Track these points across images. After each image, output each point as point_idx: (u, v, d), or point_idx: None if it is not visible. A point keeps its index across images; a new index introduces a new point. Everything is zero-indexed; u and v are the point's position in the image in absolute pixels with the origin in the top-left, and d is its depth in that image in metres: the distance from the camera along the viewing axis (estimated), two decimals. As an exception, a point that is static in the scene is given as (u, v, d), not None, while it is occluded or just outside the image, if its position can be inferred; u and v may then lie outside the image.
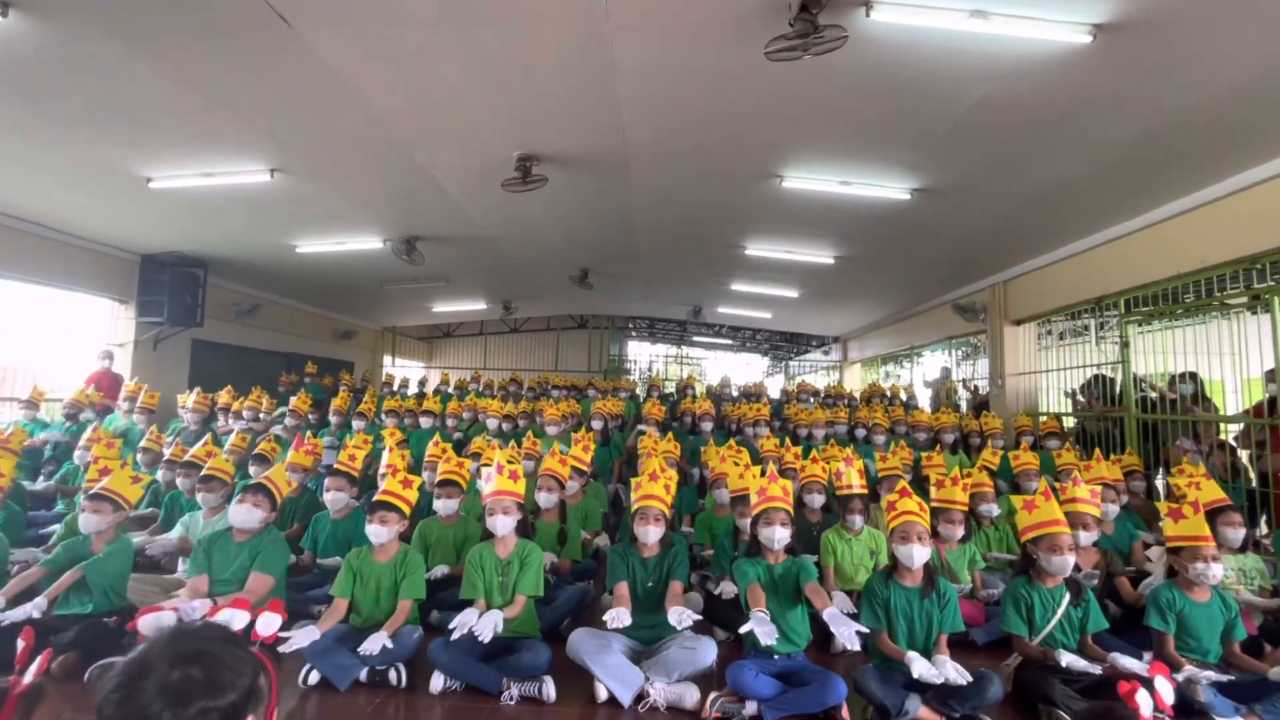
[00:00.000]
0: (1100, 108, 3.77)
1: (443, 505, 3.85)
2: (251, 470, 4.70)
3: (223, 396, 7.03)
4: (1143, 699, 2.29)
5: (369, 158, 5.05)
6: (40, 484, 5.40)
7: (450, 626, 2.84)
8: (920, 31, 3.15)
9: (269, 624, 2.37)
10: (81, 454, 5.00)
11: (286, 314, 10.57)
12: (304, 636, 2.68)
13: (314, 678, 2.81)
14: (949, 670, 2.52)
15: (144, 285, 7.53)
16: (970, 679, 2.54)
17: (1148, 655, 3.14)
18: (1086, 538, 3.36)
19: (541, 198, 5.23)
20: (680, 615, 2.77)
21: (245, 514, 3.24)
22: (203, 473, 3.88)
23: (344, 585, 3.14)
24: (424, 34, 3.44)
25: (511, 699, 2.73)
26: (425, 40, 3.50)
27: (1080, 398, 6.43)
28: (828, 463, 4.44)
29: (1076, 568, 3.02)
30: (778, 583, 2.95)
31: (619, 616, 2.80)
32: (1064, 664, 2.68)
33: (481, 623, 2.79)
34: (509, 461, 3.42)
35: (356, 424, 6.47)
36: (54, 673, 2.73)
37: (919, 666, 2.52)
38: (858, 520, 3.78)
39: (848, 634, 2.51)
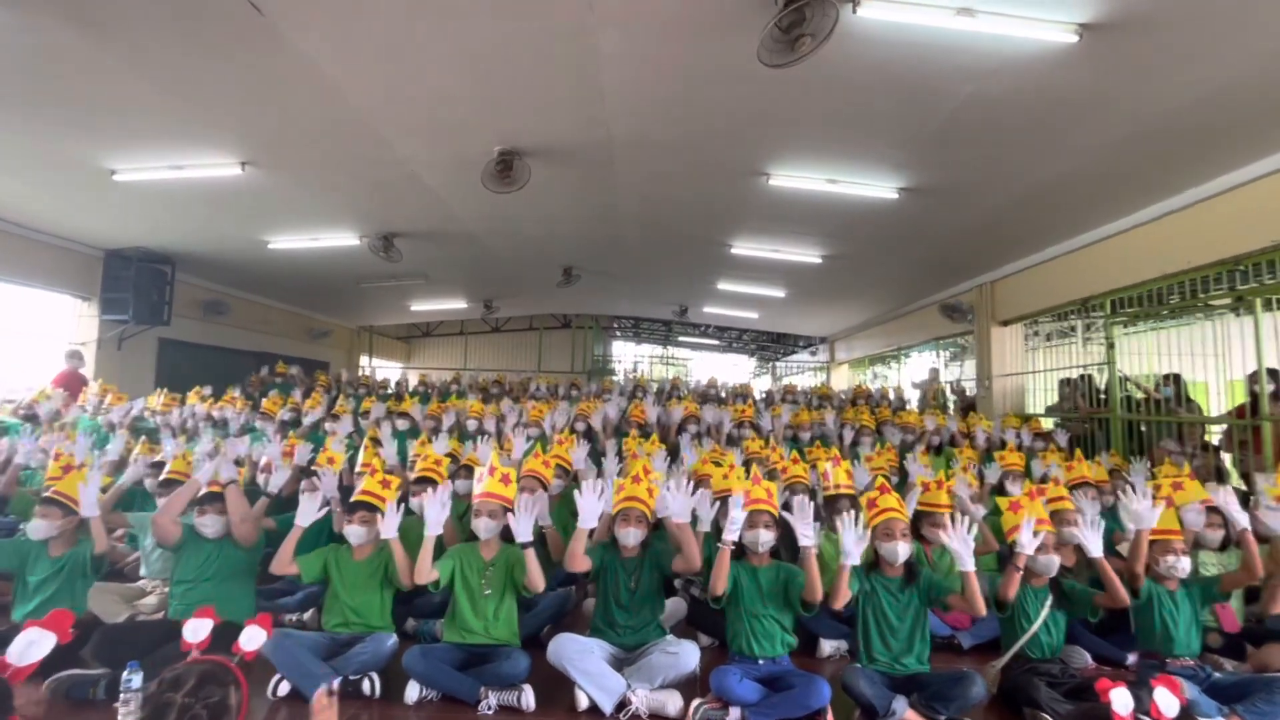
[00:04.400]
0: (1087, 107, 3.78)
1: (419, 503, 3.76)
2: (223, 475, 4.54)
3: (191, 397, 6.81)
4: (1119, 697, 2.28)
5: (345, 151, 4.92)
6: None
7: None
8: (907, 29, 3.13)
9: (253, 639, 2.26)
10: (39, 456, 4.77)
11: (258, 312, 10.34)
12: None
13: (284, 688, 2.71)
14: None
15: (108, 282, 7.32)
16: None
17: (1132, 657, 3.17)
18: (1072, 535, 3.35)
19: (524, 193, 5.14)
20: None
21: (210, 525, 3.17)
22: (161, 476, 3.73)
23: (314, 568, 3.06)
24: (402, 23, 3.35)
25: (490, 708, 2.66)
26: (403, 29, 3.41)
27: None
28: (813, 465, 4.40)
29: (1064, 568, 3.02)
30: (761, 585, 2.91)
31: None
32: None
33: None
34: (502, 465, 3.34)
35: (330, 425, 6.29)
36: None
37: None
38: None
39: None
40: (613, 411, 6.09)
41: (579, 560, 2.95)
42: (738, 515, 2.80)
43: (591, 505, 2.91)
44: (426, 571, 2.89)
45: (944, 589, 2.84)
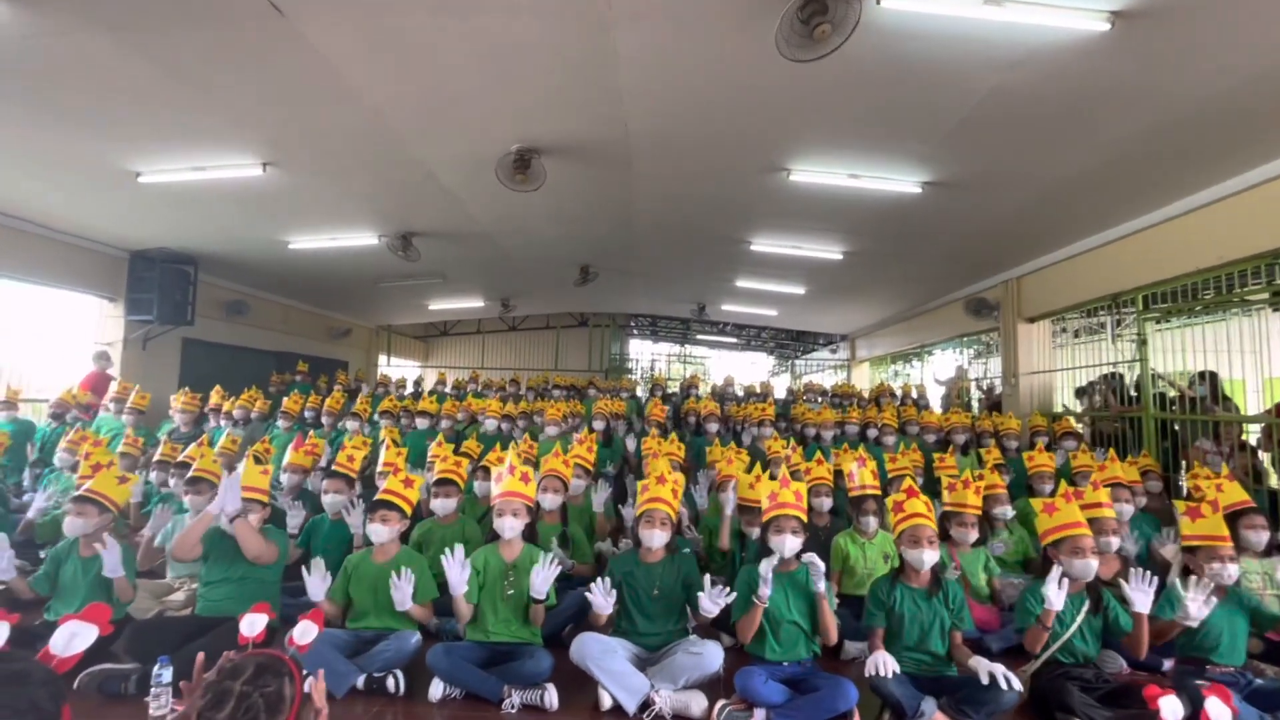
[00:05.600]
0: (1118, 98, 3.67)
1: (440, 505, 3.79)
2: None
3: (213, 397, 6.91)
4: (1168, 705, 2.21)
5: (364, 151, 4.93)
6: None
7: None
8: (932, 20, 3.07)
9: (306, 633, 2.29)
10: (64, 456, 4.86)
11: (279, 312, 10.44)
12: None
13: (308, 685, 2.72)
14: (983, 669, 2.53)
15: (133, 282, 7.39)
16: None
17: (1168, 663, 3.09)
18: (1114, 543, 3.26)
19: (541, 192, 5.13)
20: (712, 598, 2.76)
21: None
22: (189, 474, 3.77)
23: (339, 589, 3.11)
24: (420, 22, 3.34)
25: (513, 707, 2.66)
26: (421, 29, 3.40)
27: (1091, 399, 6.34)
28: (840, 466, 4.34)
29: (1098, 577, 2.93)
30: (788, 593, 2.87)
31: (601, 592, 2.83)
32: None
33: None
34: (521, 463, 3.34)
35: (351, 425, 6.36)
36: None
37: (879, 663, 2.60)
38: (871, 522, 3.68)
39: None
40: (631, 443, 5.92)
41: (601, 621, 2.95)
42: (769, 575, 2.72)
43: (603, 602, 2.81)
44: (466, 617, 2.95)
45: (959, 619, 2.81)
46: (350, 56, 3.65)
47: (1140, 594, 2.69)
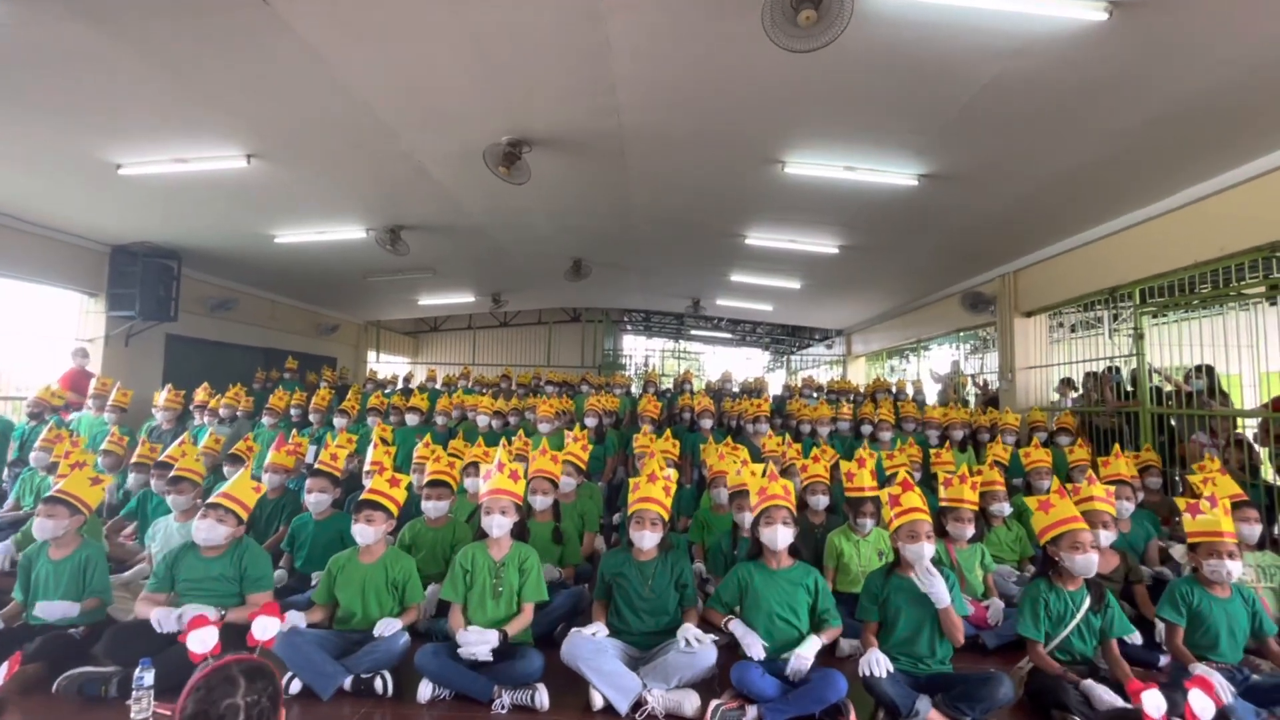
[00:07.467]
0: (1116, 89, 3.65)
1: (433, 507, 3.72)
2: (225, 471, 4.51)
3: (198, 394, 6.79)
4: (1150, 699, 2.18)
5: (351, 143, 4.85)
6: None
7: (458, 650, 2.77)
8: (929, 8, 3.03)
9: (265, 629, 2.22)
10: (39, 455, 4.75)
11: (266, 308, 10.30)
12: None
13: (295, 686, 2.68)
14: None
15: (115, 277, 7.24)
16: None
17: (1164, 659, 3.07)
18: (1106, 537, 3.23)
19: (533, 185, 5.07)
20: (691, 634, 2.74)
21: (208, 530, 3.00)
22: (171, 473, 3.69)
23: (324, 591, 3.04)
24: (409, 11, 3.27)
25: (503, 707, 2.62)
26: (410, 17, 3.33)
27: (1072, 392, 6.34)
28: (835, 463, 4.31)
29: (1098, 574, 2.90)
30: (782, 589, 2.83)
31: (597, 630, 2.80)
32: (1083, 689, 2.59)
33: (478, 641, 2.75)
34: (510, 460, 3.27)
35: (339, 422, 6.27)
36: (18, 683, 2.59)
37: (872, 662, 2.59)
38: (868, 523, 3.66)
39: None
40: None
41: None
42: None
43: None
44: (459, 620, 2.91)
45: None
46: (336, 45, 3.58)
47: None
